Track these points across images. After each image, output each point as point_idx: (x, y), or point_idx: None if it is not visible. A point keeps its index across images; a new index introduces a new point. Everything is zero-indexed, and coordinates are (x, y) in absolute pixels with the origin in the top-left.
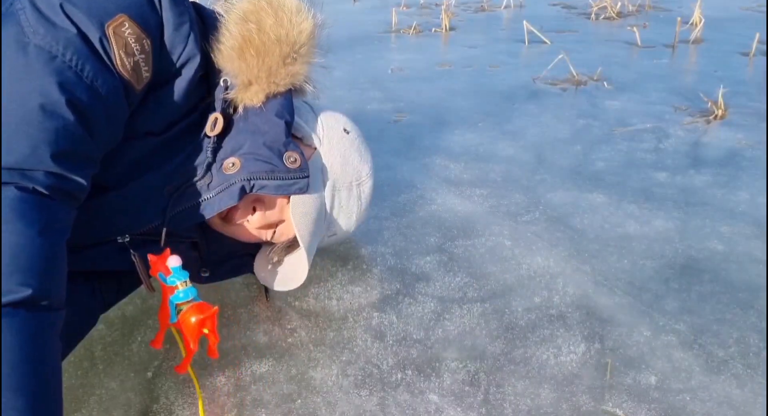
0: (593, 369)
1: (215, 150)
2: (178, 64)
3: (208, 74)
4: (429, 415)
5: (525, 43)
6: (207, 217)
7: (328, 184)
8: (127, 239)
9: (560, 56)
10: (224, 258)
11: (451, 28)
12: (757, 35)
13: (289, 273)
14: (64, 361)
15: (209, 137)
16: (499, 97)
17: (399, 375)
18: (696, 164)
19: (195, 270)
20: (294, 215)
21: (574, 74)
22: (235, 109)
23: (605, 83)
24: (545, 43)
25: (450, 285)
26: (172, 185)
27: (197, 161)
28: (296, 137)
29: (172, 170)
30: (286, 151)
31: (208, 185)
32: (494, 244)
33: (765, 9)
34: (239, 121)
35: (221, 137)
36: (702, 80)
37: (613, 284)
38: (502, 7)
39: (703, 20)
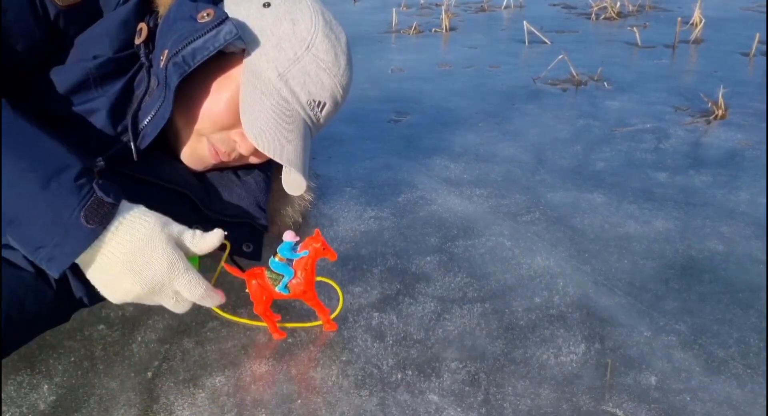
0: (593, 369)
1: (147, 56)
2: None
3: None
4: (429, 415)
5: (525, 43)
6: (167, 114)
7: (272, 77)
8: (101, 163)
9: (560, 56)
10: (227, 217)
11: (451, 29)
12: (757, 35)
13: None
14: (63, 361)
15: (139, 46)
16: (499, 98)
17: (399, 375)
18: (696, 164)
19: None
20: (247, 122)
21: (574, 74)
22: (160, 17)
23: (605, 83)
24: (545, 43)
25: (450, 285)
26: (127, 103)
27: (141, 75)
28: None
29: (121, 87)
30: (198, 13)
31: (156, 87)
32: (494, 244)
33: (765, 9)
34: (161, 23)
35: (152, 44)
36: (702, 80)
37: (613, 284)
38: (502, 7)
39: (703, 20)
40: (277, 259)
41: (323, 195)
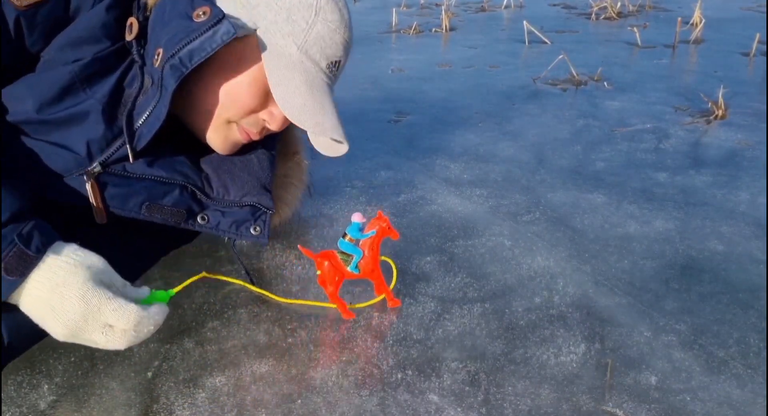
0: (593, 369)
1: (140, 53)
2: None
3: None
4: (429, 415)
5: (525, 43)
6: (163, 117)
7: (292, 51)
8: (97, 168)
9: (560, 56)
10: (230, 203)
11: (451, 29)
12: (757, 35)
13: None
14: (63, 361)
15: (131, 43)
16: (499, 98)
17: (399, 375)
18: (696, 164)
19: (189, 216)
20: (283, 102)
21: (575, 74)
22: (149, 10)
23: (605, 83)
24: (545, 43)
25: (450, 285)
26: (119, 103)
27: (133, 72)
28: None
29: (112, 87)
30: (194, 11)
31: (150, 86)
32: (494, 244)
33: (765, 9)
34: (153, 18)
35: (144, 40)
36: (702, 80)
37: (613, 285)
38: (502, 7)
39: (703, 20)
40: (347, 240)
41: (323, 195)
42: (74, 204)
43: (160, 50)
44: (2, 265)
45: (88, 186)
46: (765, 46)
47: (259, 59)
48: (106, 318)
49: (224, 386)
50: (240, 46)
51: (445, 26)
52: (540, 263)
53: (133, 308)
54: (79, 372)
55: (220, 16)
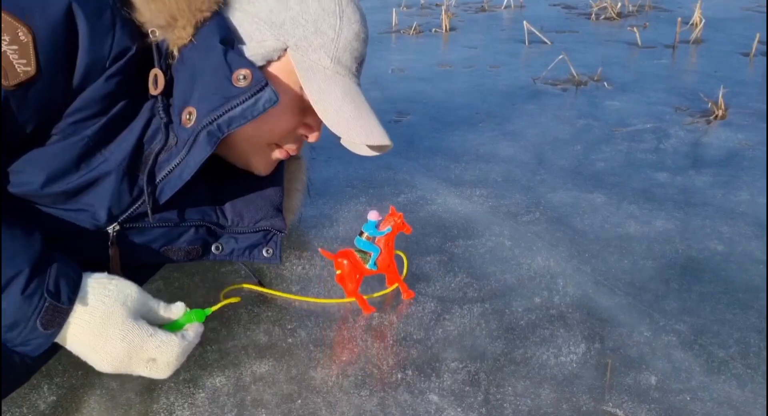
0: (593, 369)
1: (166, 108)
2: (110, 56)
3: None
4: (429, 415)
5: (525, 43)
6: (187, 178)
7: (326, 64)
8: (117, 228)
9: (560, 57)
10: (245, 229)
11: (452, 29)
12: (757, 35)
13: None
14: (63, 361)
15: (155, 97)
16: (499, 98)
17: (399, 375)
18: (696, 164)
19: (205, 252)
20: (322, 110)
21: (575, 74)
22: (173, 57)
23: (605, 83)
24: (545, 43)
25: (450, 285)
26: (139, 162)
27: (154, 127)
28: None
29: (132, 146)
30: (233, 72)
31: (176, 145)
32: (494, 244)
33: (765, 9)
34: (178, 68)
35: (168, 93)
36: (702, 80)
37: (613, 285)
38: (502, 7)
39: (703, 20)
40: (364, 238)
41: (323, 195)
42: (90, 262)
43: (192, 110)
44: (38, 322)
45: (111, 252)
46: (765, 46)
47: (293, 79)
48: (150, 354)
49: (224, 386)
50: (272, 71)
51: (445, 26)
52: (540, 263)
53: (175, 342)
54: (79, 372)
55: (262, 84)
